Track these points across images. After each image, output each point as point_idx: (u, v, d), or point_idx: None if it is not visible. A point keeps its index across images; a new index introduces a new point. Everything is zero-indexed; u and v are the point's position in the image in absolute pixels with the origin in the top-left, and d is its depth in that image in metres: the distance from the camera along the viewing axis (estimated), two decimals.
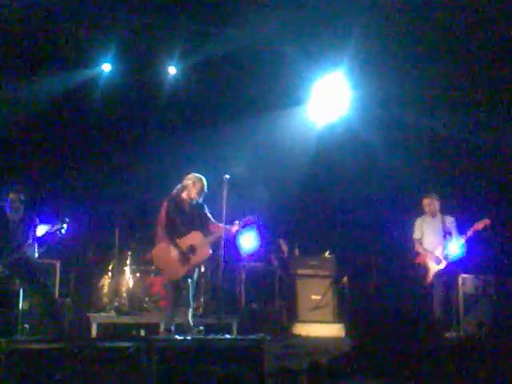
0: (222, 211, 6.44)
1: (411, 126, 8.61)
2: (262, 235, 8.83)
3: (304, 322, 7.82)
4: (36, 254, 6.37)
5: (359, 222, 9.30)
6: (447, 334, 6.63)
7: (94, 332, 7.29)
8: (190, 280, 6.40)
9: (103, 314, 7.64)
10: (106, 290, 8.00)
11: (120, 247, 8.00)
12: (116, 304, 7.71)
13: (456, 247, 7.12)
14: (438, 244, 7.22)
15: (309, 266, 8.21)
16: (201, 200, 6.55)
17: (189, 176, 6.53)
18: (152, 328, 7.31)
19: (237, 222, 6.48)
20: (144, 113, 9.12)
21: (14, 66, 8.11)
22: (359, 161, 9.04)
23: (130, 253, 8.01)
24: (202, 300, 7.92)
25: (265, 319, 7.84)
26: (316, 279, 8.12)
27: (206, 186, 6.50)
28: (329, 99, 9.00)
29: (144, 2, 7.83)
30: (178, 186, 6.52)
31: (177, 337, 6.17)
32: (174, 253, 6.33)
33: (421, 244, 7.40)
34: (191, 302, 6.44)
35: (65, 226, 6.28)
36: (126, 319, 7.57)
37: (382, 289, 8.82)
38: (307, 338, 7.30)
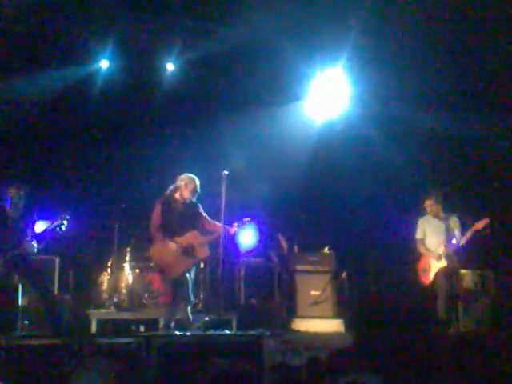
0: (221, 207, 6.44)
1: (411, 122, 8.59)
2: (261, 231, 8.83)
3: (303, 317, 7.83)
4: (35, 250, 6.36)
5: (358, 218, 9.31)
6: (450, 331, 6.65)
7: (93, 328, 7.31)
8: (188, 275, 6.41)
9: (103, 311, 7.65)
10: (105, 286, 8.01)
11: (119, 243, 8.01)
12: (115, 300, 7.72)
13: (457, 247, 7.12)
14: (440, 244, 7.21)
15: (308, 262, 8.22)
16: (194, 199, 6.54)
17: (181, 176, 6.52)
18: (151, 324, 7.33)
19: (235, 223, 6.49)
20: (142, 109, 9.10)
21: (11, 63, 8.09)
22: (358, 157, 9.04)
23: (129, 249, 8.02)
24: (202, 296, 7.93)
25: (264, 315, 7.85)
26: (315, 275, 8.13)
27: (198, 186, 6.50)
28: (328, 95, 8.99)
29: None
30: (171, 187, 6.52)
31: (176, 332, 6.19)
32: (171, 251, 6.32)
33: (423, 244, 7.37)
34: (191, 297, 6.44)
35: (65, 222, 6.27)
36: (126, 315, 7.58)
37: (381, 284, 8.83)
38: (306, 334, 7.32)
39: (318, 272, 8.15)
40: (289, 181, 8.86)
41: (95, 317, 7.40)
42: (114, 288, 7.89)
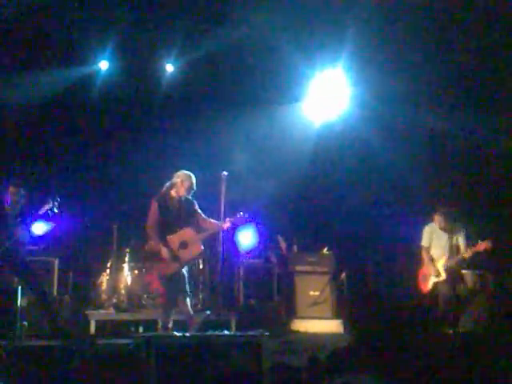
0: (220, 208, 6.43)
1: (411, 123, 8.58)
2: (260, 232, 8.84)
3: (302, 318, 7.83)
4: (28, 238, 6.38)
5: (357, 219, 9.30)
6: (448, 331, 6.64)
7: (92, 329, 7.30)
8: (183, 270, 6.41)
9: (102, 311, 7.65)
10: (104, 287, 8.00)
11: (118, 244, 8.01)
12: (114, 301, 7.72)
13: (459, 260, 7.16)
14: (443, 255, 7.22)
15: (307, 263, 8.22)
16: (190, 196, 6.54)
17: (178, 173, 6.51)
18: (150, 325, 7.32)
19: (228, 218, 6.48)
20: (142, 110, 9.11)
21: (11, 63, 8.09)
22: (358, 157, 9.03)
23: (128, 250, 8.01)
24: (201, 296, 7.93)
25: (263, 315, 7.84)
26: (314, 276, 8.13)
27: (194, 184, 6.50)
28: (328, 96, 8.99)
29: None
30: (167, 184, 6.51)
31: (175, 333, 6.18)
32: (166, 248, 6.34)
33: (428, 252, 7.36)
34: (188, 291, 6.43)
35: (56, 204, 6.28)
36: (125, 316, 7.58)
37: (380, 285, 8.83)
38: (306, 334, 7.32)
39: (317, 273, 8.15)
40: (288, 181, 8.85)
41: (94, 317, 7.39)
42: (113, 289, 7.88)
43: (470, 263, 7.42)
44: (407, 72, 8.20)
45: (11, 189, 6.35)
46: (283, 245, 8.67)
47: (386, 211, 8.99)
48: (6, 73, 8.04)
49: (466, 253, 7.10)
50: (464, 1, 7.34)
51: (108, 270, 8.03)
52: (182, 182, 6.45)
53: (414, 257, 7.59)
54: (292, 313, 7.93)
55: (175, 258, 6.32)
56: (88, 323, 7.33)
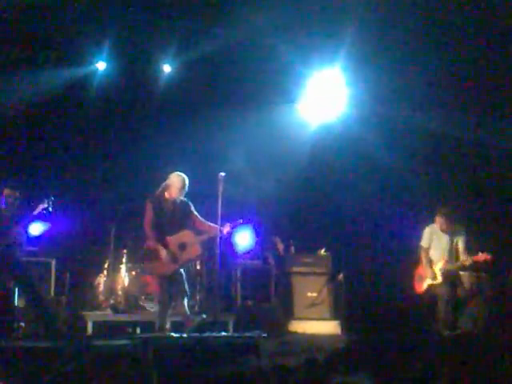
0: (218, 209, 6.43)
1: (408, 123, 8.58)
2: (257, 233, 8.84)
3: (300, 319, 7.82)
4: (24, 239, 6.37)
5: (355, 220, 9.31)
6: (445, 332, 6.65)
7: (89, 330, 7.29)
8: (181, 270, 6.42)
9: (99, 313, 7.64)
10: (101, 288, 7.98)
11: (116, 245, 8.00)
12: (112, 302, 7.70)
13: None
14: (442, 258, 7.21)
15: (304, 264, 8.21)
16: (183, 198, 6.54)
17: (171, 175, 6.53)
18: (148, 326, 7.31)
19: (228, 223, 6.48)
20: (139, 111, 9.10)
21: (7, 63, 8.08)
22: (356, 158, 9.03)
23: (125, 251, 8.00)
24: (199, 298, 7.92)
25: (261, 317, 7.84)
26: (312, 276, 8.12)
27: (186, 185, 6.50)
28: (325, 96, 8.99)
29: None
30: (162, 186, 6.53)
31: (173, 334, 6.18)
32: (164, 249, 6.34)
33: (427, 254, 7.31)
34: (187, 291, 6.43)
35: (51, 203, 6.28)
36: (122, 317, 7.57)
37: (377, 286, 8.83)
38: (303, 336, 7.31)
39: (314, 274, 8.14)
40: (285, 182, 8.86)
41: (91, 319, 7.38)
42: (111, 290, 7.87)
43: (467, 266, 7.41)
44: (406, 72, 8.19)
45: (6, 191, 6.34)
46: (280, 246, 8.67)
47: (383, 212, 8.99)
48: (3, 73, 8.02)
49: (465, 260, 7.06)
50: (463, 0, 7.35)
51: (105, 271, 8.02)
52: (173, 183, 6.46)
53: (411, 258, 7.58)
54: (289, 314, 7.91)
55: (174, 258, 6.32)
56: (85, 324, 7.33)
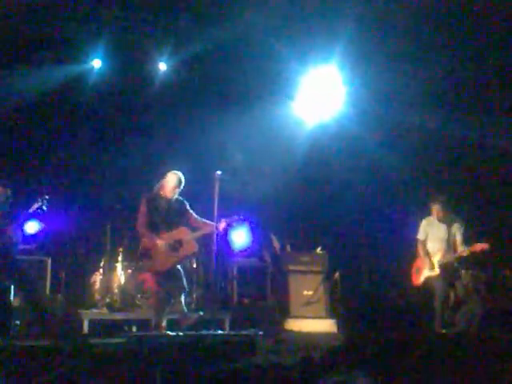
0: (214, 208, 6.43)
1: (406, 121, 8.58)
2: (253, 231, 8.84)
3: (296, 317, 7.83)
4: (19, 238, 6.35)
5: (351, 218, 9.32)
6: (441, 330, 6.66)
7: (85, 328, 7.28)
8: (179, 266, 6.42)
9: (95, 311, 7.63)
10: (97, 286, 7.98)
11: (112, 243, 7.99)
12: (108, 300, 7.69)
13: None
14: (439, 250, 7.19)
15: (301, 262, 8.22)
16: (178, 196, 6.56)
17: (168, 173, 6.56)
18: (144, 324, 7.31)
19: (223, 219, 6.49)
20: (135, 109, 9.09)
21: (3, 60, 8.06)
22: (352, 156, 9.04)
23: (121, 249, 7.99)
24: (195, 296, 7.92)
25: (257, 315, 7.85)
26: (308, 275, 8.14)
27: (181, 183, 6.52)
28: (322, 94, 8.98)
29: None
30: (158, 184, 6.56)
31: (169, 333, 6.17)
32: (159, 247, 6.35)
33: (424, 246, 7.29)
34: (186, 286, 6.44)
35: (45, 201, 6.26)
36: (118, 316, 7.56)
37: (373, 284, 8.85)
38: (299, 334, 7.32)
39: (310, 272, 8.16)
40: (282, 181, 8.86)
41: (87, 317, 7.36)
42: (107, 288, 7.86)
43: (464, 263, 7.40)
44: (403, 70, 8.19)
45: None
46: (277, 244, 8.67)
47: (380, 211, 9.00)
48: None
49: (463, 251, 7.01)
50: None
51: (101, 270, 8.01)
52: (167, 182, 6.49)
53: (407, 257, 7.59)
54: (285, 312, 7.93)
55: (170, 253, 6.33)
56: (81, 323, 7.31)
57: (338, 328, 7.60)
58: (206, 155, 8.53)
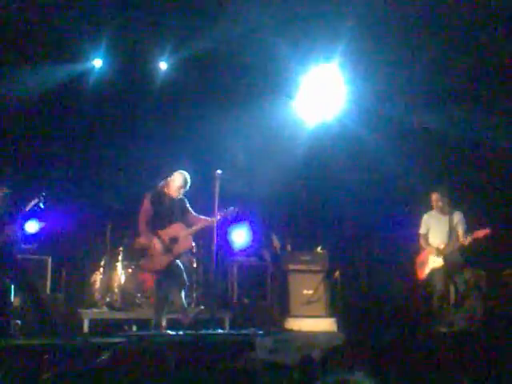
0: (214, 206, 6.44)
1: (407, 121, 8.57)
2: (253, 230, 8.84)
3: (296, 316, 7.83)
4: (19, 236, 6.35)
5: (351, 218, 9.31)
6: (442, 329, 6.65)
7: (85, 328, 7.29)
8: (178, 261, 6.44)
9: (95, 310, 7.64)
10: (97, 285, 7.98)
11: (112, 243, 8.00)
12: (108, 300, 7.70)
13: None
14: (442, 242, 7.19)
15: (301, 261, 8.22)
16: (181, 195, 6.58)
17: (175, 172, 6.61)
18: (144, 324, 7.31)
19: (219, 212, 6.50)
20: (136, 108, 9.08)
21: (3, 60, 8.05)
22: (352, 156, 9.02)
23: (121, 248, 8.00)
24: (195, 295, 7.92)
25: (257, 314, 7.86)
26: (308, 274, 8.14)
27: (187, 184, 6.55)
28: (323, 93, 8.96)
29: None
30: (162, 181, 6.58)
31: (169, 332, 6.18)
32: (156, 244, 6.37)
33: (426, 239, 7.32)
34: (186, 282, 6.45)
35: (42, 199, 6.26)
36: (118, 315, 7.57)
37: (373, 283, 8.84)
38: (299, 333, 7.31)
39: (310, 271, 8.16)
40: (282, 180, 8.85)
41: (87, 316, 7.37)
42: (107, 288, 7.87)
43: (465, 254, 7.36)
44: (405, 68, 8.16)
45: None
46: (277, 243, 8.67)
47: (380, 210, 8.98)
48: None
49: (465, 240, 6.98)
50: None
51: (101, 269, 8.02)
52: (173, 181, 6.52)
53: (407, 255, 7.59)
54: (285, 311, 7.93)
55: (167, 250, 6.36)
56: (81, 322, 7.32)
57: (338, 327, 7.60)
58: (206, 154, 8.53)
